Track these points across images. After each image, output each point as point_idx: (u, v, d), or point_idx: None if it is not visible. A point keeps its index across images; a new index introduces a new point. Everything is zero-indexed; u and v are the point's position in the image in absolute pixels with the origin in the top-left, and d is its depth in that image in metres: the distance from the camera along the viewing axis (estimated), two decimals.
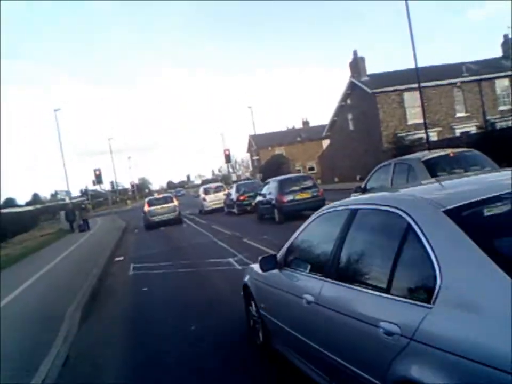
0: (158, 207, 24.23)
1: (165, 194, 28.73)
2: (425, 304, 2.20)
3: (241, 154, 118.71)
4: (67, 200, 39.20)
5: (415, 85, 32.82)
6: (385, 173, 8.78)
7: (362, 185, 9.77)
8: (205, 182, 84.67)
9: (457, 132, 33.38)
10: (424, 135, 31.40)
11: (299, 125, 70.39)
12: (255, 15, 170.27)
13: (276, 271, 4.12)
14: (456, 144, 20.34)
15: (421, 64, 37.19)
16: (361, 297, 2.74)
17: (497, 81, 34.92)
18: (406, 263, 2.49)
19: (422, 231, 2.39)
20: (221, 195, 27.48)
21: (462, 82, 34.17)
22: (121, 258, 14.06)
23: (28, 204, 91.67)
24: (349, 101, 37.10)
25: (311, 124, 69.03)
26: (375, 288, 2.67)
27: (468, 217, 2.38)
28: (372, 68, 36.36)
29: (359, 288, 2.81)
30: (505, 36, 37.82)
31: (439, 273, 2.19)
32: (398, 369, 2.27)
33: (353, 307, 2.79)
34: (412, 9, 23.62)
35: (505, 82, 34.96)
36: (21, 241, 30.24)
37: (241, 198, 23.58)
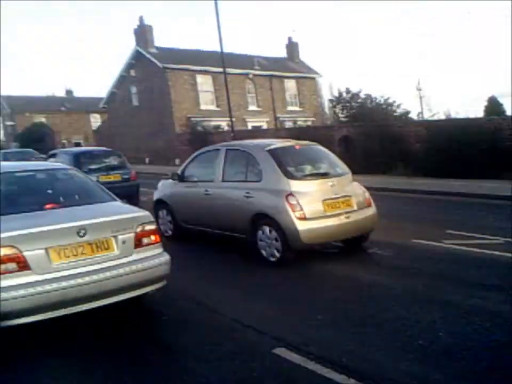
0: None
1: None
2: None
3: None
4: None
5: (209, 68, 31.45)
6: (211, 160, 7.85)
7: (179, 171, 8.44)
8: None
9: (249, 125, 32.95)
10: (220, 123, 30.15)
11: (61, 93, 62.00)
12: None
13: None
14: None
15: (208, 48, 36.20)
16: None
17: (286, 81, 35.91)
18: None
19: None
20: None
21: (254, 75, 33.91)
22: None
23: None
24: (133, 73, 32.87)
25: (76, 94, 61.58)
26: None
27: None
28: (159, 41, 32.55)
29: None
30: (290, 38, 39.31)
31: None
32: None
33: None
34: None
35: (293, 82, 36.25)
36: None
37: None
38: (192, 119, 30.36)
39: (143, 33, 31.46)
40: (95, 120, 55.12)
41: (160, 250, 4.83)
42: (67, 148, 23.99)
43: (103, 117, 53.69)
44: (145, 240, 4.64)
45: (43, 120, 51.02)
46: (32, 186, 5.15)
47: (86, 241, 4.25)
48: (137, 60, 32.06)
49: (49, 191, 5.07)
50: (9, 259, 3.88)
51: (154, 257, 4.67)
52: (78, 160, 12.95)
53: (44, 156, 23.57)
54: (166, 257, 4.81)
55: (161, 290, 4.96)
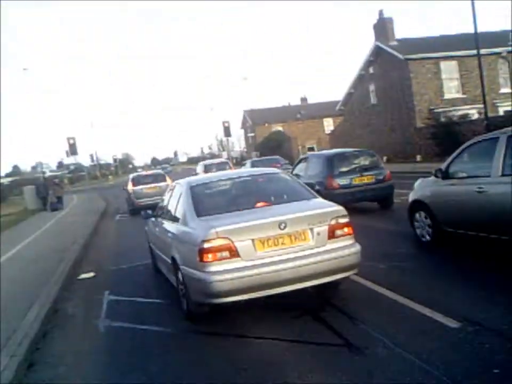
0: (146, 186, 18.59)
1: (155, 171, 22.78)
2: (177, 223, 5.69)
3: (233, 131, 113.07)
4: (48, 173, 34.54)
5: (454, 53, 27.99)
6: (486, 152, 6.40)
7: (443, 167, 7.22)
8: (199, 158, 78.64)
9: (500, 111, 28.27)
10: (468, 112, 26.48)
11: (296, 102, 64.84)
12: None
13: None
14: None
15: (455, 31, 32.73)
16: (164, 226, 6.35)
17: None
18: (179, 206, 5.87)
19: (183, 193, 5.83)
20: None
21: (508, 52, 28.87)
22: (90, 275, 8.39)
23: (7, 175, 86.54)
24: (371, 70, 31.57)
25: (310, 101, 63.61)
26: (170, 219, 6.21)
27: (193, 188, 5.80)
28: (399, 33, 30.50)
29: (164, 221, 6.54)
30: None
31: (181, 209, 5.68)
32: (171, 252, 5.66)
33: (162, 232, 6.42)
34: None
35: None
36: None
37: None
38: (435, 110, 27.40)
39: (382, 27, 30.09)
40: (328, 124, 55.79)
41: (351, 241, 5.15)
42: (315, 151, 23.71)
43: (336, 120, 54.08)
44: (338, 232, 5.02)
45: (280, 128, 53.83)
46: (249, 189, 6.04)
47: (286, 233, 4.80)
48: (376, 55, 30.67)
49: (262, 192, 5.88)
50: (224, 248, 4.63)
51: (346, 248, 5.02)
52: (332, 162, 11.90)
53: (287, 161, 23.99)
54: (357, 247, 5.11)
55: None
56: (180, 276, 5.25)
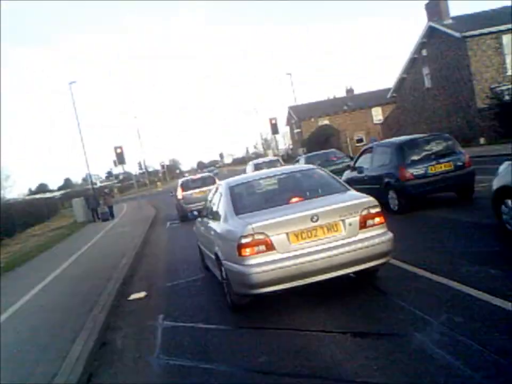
0: (196, 191, 17.63)
1: (203, 174, 21.52)
2: (219, 221, 5.91)
3: (279, 128, 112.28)
4: (98, 184, 34.60)
5: None
6: None
7: None
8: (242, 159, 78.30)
9: None
10: None
11: (341, 94, 62.85)
12: None
13: None
14: None
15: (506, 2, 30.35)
16: (209, 225, 6.59)
17: None
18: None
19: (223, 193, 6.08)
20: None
21: None
22: (142, 295, 7.40)
23: (60, 188, 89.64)
24: (424, 52, 29.49)
25: (356, 92, 61.47)
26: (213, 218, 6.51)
27: (232, 188, 6.07)
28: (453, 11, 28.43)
29: (208, 220, 6.83)
30: None
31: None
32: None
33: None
34: None
35: None
36: (23, 239, 24.28)
37: None
38: (497, 88, 25.17)
39: (435, 6, 28.00)
40: (376, 114, 53.68)
41: (383, 230, 5.27)
42: (377, 141, 22.10)
43: (385, 109, 51.87)
44: (369, 222, 5.16)
45: (326, 122, 52.18)
46: (284, 186, 6.31)
47: (319, 225, 5.02)
48: (429, 37, 28.63)
49: (297, 188, 6.16)
50: (260, 242, 4.92)
51: (378, 236, 5.14)
52: (402, 151, 10.47)
53: (343, 154, 22.51)
54: (389, 235, 5.24)
55: None
56: (223, 270, 5.51)
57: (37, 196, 58.39)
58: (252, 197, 6.23)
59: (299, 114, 54.99)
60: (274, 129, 30.17)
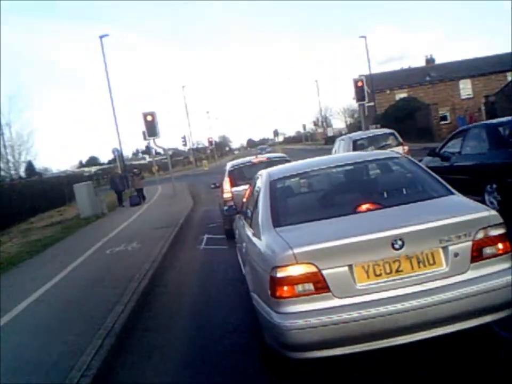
0: None
1: (270, 155, 11.62)
2: (251, 231, 4.08)
3: (343, 103, 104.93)
4: (147, 159, 31.19)
5: None
6: None
7: None
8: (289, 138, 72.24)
9: None
10: None
11: (419, 64, 55.16)
12: None
13: None
14: None
15: None
16: (245, 230, 4.61)
17: None
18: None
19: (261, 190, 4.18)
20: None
21: None
22: None
23: (110, 162, 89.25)
24: None
25: (438, 61, 53.61)
26: (248, 223, 4.53)
27: (275, 183, 4.17)
28: None
29: (244, 222, 4.83)
30: None
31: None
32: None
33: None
34: None
35: None
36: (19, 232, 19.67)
37: None
38: None
39: None
40: (464, 87, 46.17)
41: (508, 264, 3.20)
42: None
43: (475, 82, 44.32)
44: (487, 251, 3.16)
45: (404, 95, 45.39)
46: (350, 184, 4.51)
47: (404, 255, 3.11)
48: None
49: (370, 188, 4.31)
50: (307, 278, 3.05)
51: (499, 275, 3.11)
52: None
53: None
54: None
55: None
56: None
57: (70, 170, 55.53)
58: (301, 198, 4.52)
59: (371, 86, 48.28)
60: (360, 95, 21.24)
